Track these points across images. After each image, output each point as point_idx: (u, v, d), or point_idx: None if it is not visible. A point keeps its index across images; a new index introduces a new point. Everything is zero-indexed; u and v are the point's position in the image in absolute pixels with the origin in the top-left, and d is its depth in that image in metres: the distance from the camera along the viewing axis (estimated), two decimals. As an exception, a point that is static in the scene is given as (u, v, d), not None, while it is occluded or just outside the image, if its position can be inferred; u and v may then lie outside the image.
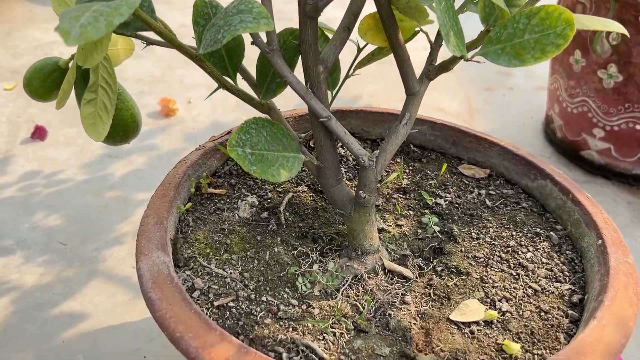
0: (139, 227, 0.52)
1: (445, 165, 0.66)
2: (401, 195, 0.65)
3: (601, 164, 1.02)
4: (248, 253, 0.55)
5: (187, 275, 0.51)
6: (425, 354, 0.46)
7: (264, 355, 0.40)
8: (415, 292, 0.53)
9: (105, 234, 0.88)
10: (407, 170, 0.69)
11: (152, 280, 0.46)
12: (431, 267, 0.56)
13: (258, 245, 0.56)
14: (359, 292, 0.52)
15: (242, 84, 0.53)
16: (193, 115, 1.22)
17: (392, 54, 0.52)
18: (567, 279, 0.53)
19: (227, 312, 0.48)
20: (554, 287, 0.52)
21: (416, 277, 0.55)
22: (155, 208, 0.54)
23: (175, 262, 0.52)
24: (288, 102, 1.23)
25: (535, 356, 0.46)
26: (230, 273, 0.52)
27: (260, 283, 0.52)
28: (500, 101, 1.31)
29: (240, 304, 0.49)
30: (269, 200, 0.62)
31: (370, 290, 0.52)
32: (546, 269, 0.54)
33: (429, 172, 0.69)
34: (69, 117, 1.17)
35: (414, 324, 0.49)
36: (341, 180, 0.55)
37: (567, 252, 0.56)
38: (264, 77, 0.53)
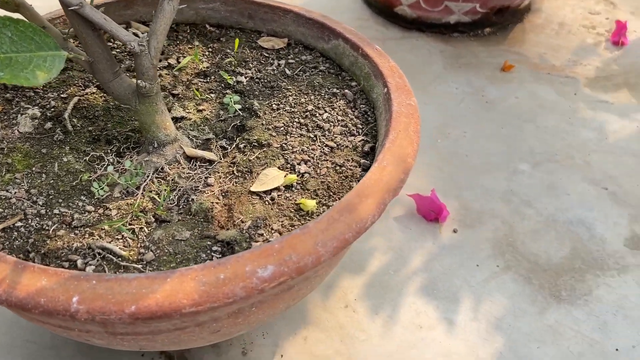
0: None
1: (237, 41, 0.64)
2: (201, 80, 0.63)
3: (414, 18, 1.05)
4: (34, 169, 0.51)
5: (-39, 205, 0.47)
6: (227, 230, 0.47)
7: (44, 266, 0.38)
8: (219, 172, 0.53)
9: None
10: (207, 53, 0.66)
11: None
12: (234, 145, 0.55)
13: (44, 158, 0.52)
14: (160, 185, 0.51)
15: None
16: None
17: None
18: (360, 131, 0.55)
19: (15, 233, 0.45)
20: (348, 141, 0.54)
21: (220, 158, 0.54)
22: None
23: (-54, 194, 0.47)
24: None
25: (328, 207, 0.48)
26: (15, 193, 0.48)
27: (51, 196, 0.49)
28: (319, -30, 1.28)
29: (30, 222, 0.46)
30: (52, 109, 0.57)
31: (172, 180, 0.51)
32: (341, 125, 0.56)
33: (228, 50, 0.66)
34: None
35: (217, 203, 0.49)
36: (119, 73, 0.51)
37: (361, 106, 0.58)
38: (-5, -30, 0.47)
